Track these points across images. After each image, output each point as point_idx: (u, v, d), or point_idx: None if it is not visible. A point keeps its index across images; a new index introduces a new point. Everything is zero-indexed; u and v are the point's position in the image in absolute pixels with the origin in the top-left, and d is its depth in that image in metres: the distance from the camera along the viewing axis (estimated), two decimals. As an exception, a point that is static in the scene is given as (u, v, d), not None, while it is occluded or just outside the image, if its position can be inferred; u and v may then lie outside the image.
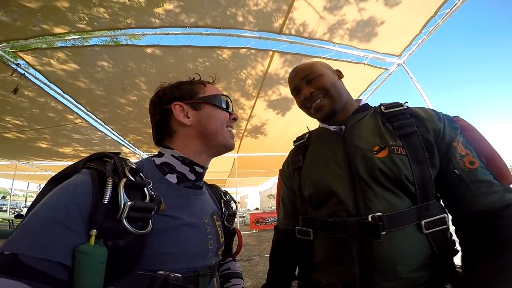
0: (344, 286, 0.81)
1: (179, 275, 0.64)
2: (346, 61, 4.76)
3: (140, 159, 0.82)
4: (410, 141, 0.83)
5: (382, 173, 0.80)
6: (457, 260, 0.81)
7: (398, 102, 0.96)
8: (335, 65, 4.39)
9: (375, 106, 1.01)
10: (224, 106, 0.84)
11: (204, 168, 0.84)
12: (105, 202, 0.53)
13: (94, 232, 0.50)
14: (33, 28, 3.81)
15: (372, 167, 0.82)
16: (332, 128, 1.00)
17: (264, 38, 4.32)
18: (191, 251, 0.70)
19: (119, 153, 0.66)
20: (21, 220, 0.53)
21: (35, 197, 0.62)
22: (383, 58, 4.74)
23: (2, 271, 0.43)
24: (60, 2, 3.42)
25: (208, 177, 0.84)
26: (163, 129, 0.82)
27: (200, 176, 0.83)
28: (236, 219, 1.04)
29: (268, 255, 1.17)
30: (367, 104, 1.04)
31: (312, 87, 0.98)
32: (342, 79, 1.08)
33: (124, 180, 0.57)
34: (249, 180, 21.23)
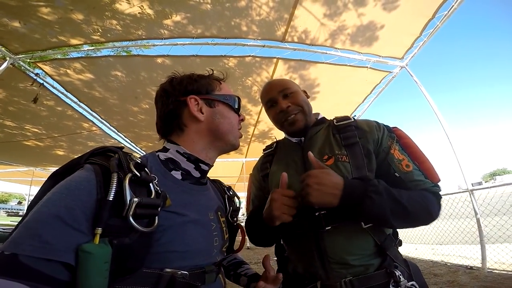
0: (311, 275, 0.96)
1: (186, 272, 0.64)
2: (349, 66, 4.84)
3: (144, 154, 0.78)
4: (353, 150, 0.99)
5: None
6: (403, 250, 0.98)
7: (347, 116, 1.11)
8: (338, 70, 4.50)
9: (329, 120, 1.16)
10: (237, 109, 0.86)
11: (209, 166, 0.83)
12: (110, 199, 0.51)
13: (99, 230, 0.49)
14: (51, 40, 4.07)
15: None
16: (294, 140, 1.15)
17: (268, 46, 4.47)
18: (197, 248, 0.69)
19: (122, 148, 0.64)
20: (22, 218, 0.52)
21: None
22: (386, 61, 4.81)
23: (2, 272, 0.42)
24: (75, 15, 3.67)
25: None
26: (173, 121, 0.80)
27: (204, 173, 0.82)
28: (240, 216, 1.07)
29: (273, 259, 1.24)
30: (323, 118, 1.19)
31: (289, 101, 1.10)
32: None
33: (129, 175, 0.55)
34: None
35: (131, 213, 0.52)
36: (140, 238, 0.55)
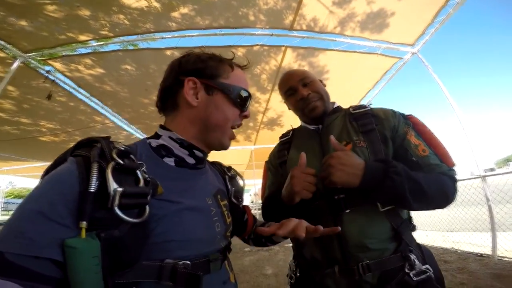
0: (328, 260, 0.99)
1: (188, 262, 0.62)
2: (359, 52, 4.77)
3: (134, 142, 0.74)
4: (370, 136, 1.03)
5: None
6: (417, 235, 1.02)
7: (363, 105, 1.16)
8: (348, 56, 4.47)
9: (345, 108, 1.20)
10: (239, 103, 0.77)
11: (205, 153, 0.79)
12: (92, 191, 0.49)
13: (83, 224, 0.46)
14: (59, 37, 4.11)
15: None
16: (311, 127, 1.19)
17: (276, 35, 4.42)
18: (197, 236, 0.67)
19: (108, 137, 0.61)
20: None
21: None
22: (397, 48, 4.71)
23: None
24: (82, 11, 3.68)
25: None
26: (168, 98, 0.77)
27: (200, 160, 0.78)
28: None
29: (287, 245, 1.27)
30: (339, 106, 1.23)
31: (309, 89, 1.15)
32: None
33: (111, 164, 0.52)
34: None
35: (116, 204, 0.49)
36: (132, 229, 0.52)
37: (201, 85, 0.74)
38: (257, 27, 4.31)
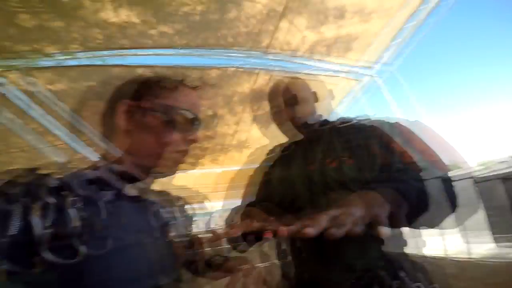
0: (312, 277, 0.99)
1: None
2: (325, 75, 5.21)
3: (70, 173, 0.67)
4: (356, 152, 1.03)
5: (332, 179, 1.00)
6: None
7: (351, 118, 1.17)
8: (315, 79, 4.68)
9: (333, 121, 1.21)
10: (181, 126, 0.72)
11: (147, 183, 0.76)
12: (15, 233, 0.45)
13: (3, 268, 0.44)
14: (22, 48, 3.81)
15: (324, 174, 1.03)
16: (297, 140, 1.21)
17: (252, 56, 4.67)
18: (142, 273, 0.63)
19: (35, 169, 0.57)
20: None
21: None
22: (359, 71, 5.31)
23: None
24: (55, 23, 3.48)
25: (190, 193, 0.93)
26: (106, 124, 0.74)
27: (143, 191, 0.74)
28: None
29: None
30: (326, 120, 1.24)
31: (294, 112, 1.14)
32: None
33: (38, 204, 0.49)
34: (235, 193, 20.88)
35: (44, 247, 0.46)
36: (66, 270, 0.49)
37: (134, 107, 0.69)
38: (234, 49, 4.47)
